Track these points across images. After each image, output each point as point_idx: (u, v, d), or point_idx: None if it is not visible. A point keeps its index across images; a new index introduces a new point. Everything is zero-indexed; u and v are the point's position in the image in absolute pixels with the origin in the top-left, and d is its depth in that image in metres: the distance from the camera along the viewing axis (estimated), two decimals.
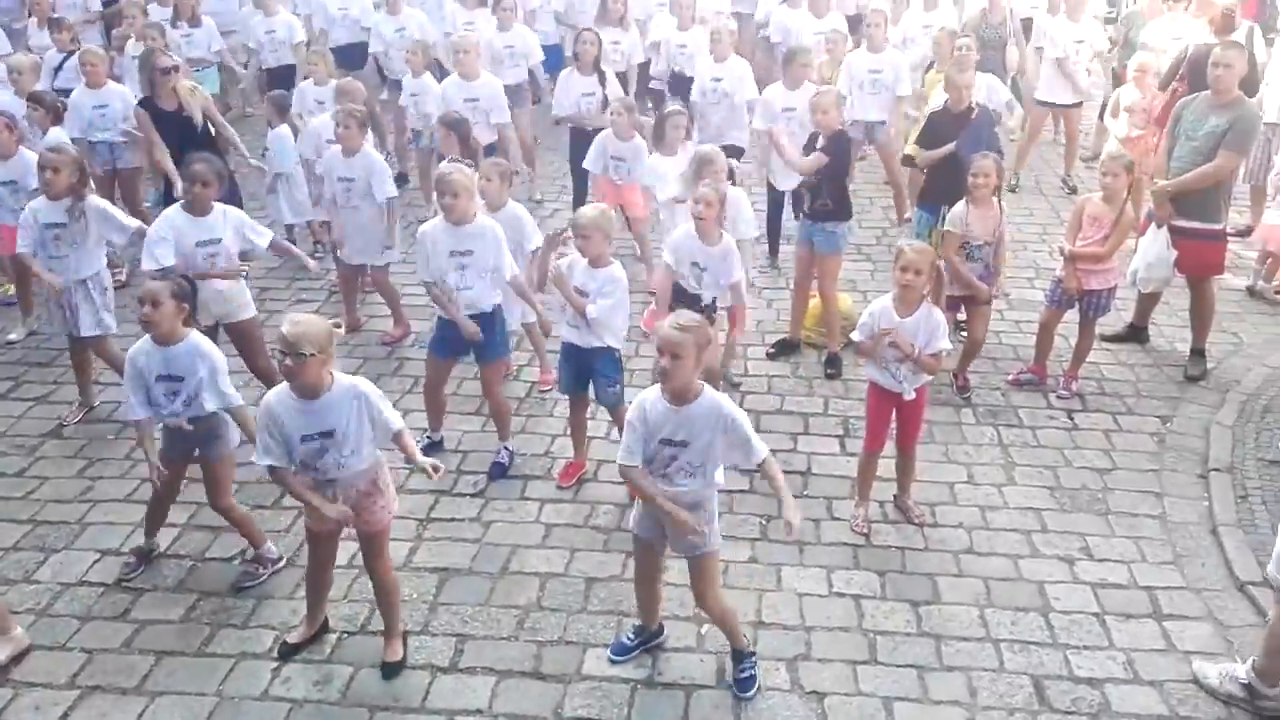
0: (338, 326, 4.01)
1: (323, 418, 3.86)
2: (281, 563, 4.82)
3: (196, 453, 4.66)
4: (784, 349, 6.63)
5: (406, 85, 8.39)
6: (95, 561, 4.88)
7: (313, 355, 3.74)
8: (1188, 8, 8.77)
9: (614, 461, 5.44)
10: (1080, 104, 9.40)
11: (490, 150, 7.64)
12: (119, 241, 5.92)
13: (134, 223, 5.87)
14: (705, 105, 7.94)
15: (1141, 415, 6.03)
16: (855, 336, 4.98)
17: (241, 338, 5.78)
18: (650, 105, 9.27)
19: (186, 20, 9.23)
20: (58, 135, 6.88)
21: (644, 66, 9.39)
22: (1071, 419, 5.99)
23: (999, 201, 5.98)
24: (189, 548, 4.96)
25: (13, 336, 6.95)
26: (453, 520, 5.17)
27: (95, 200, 5.78)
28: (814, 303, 6.63)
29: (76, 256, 5.72)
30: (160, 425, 4.64)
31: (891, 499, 5.24)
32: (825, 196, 6.22)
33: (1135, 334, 6.83)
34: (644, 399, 3.82)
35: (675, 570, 4.40)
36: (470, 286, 5.25)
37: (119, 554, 4.91)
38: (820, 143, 6.23)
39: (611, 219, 5.16)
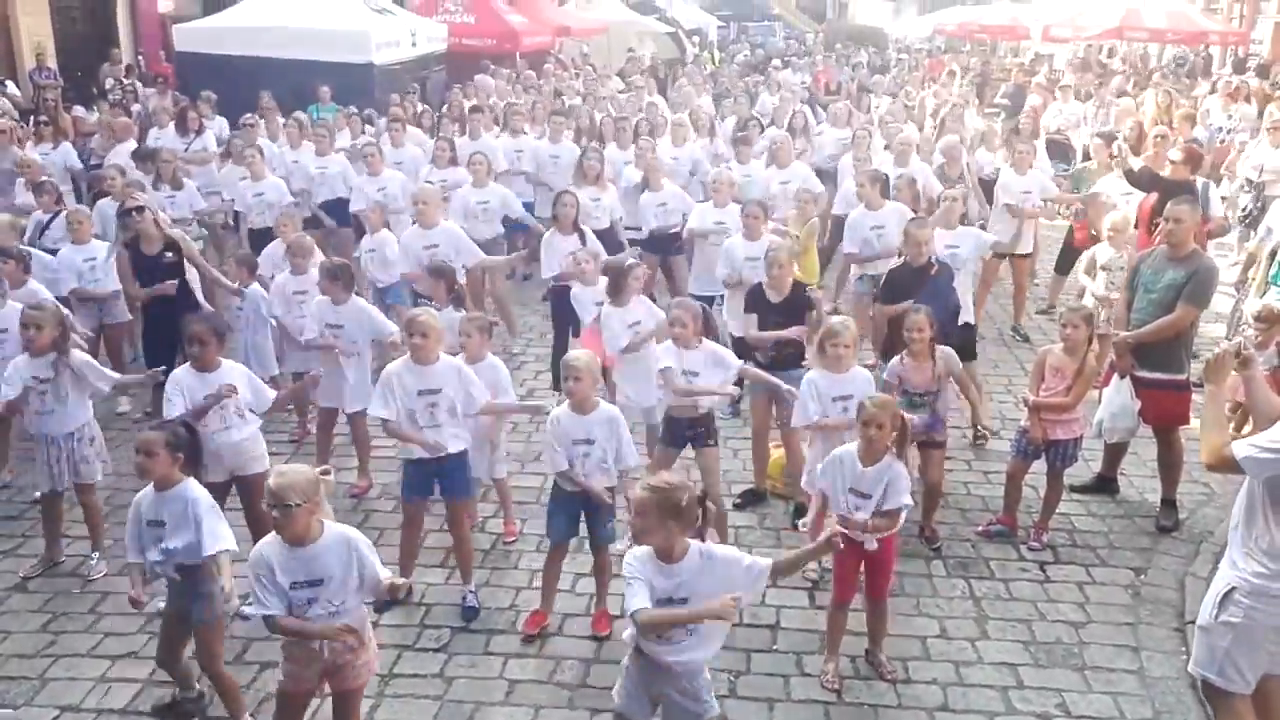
0: (325, 474, 4.02)
1: (312, 566, 3.84)
2: None
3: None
4: (750, 499, 6.61)
5: (364, 242, 8.53)
6: (55, 718, 4.76)
7: (299, 505, 3.75)
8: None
9: (580, 615, 5.43)
10: (1029, 255, 9.67)
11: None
12: (103, 389, 5.93)
13: (114, 376, 5.90)
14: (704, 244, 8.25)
15: (1114, 567, 5.99)
16: (803, 484, 5.03)
17: (251, 492, 5.58)
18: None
19: (168, 183, 9.51)
20: (34, 289, 6.99)
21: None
22: (1044, 571, 5.94)
23: (935, 354, 5.99)
24: (150, 703, 4.84)
25: None
26: (415, 676, 5.05)
27: (77, 355, 5.81)
28: (779, 453, 6.64)
29: (63, 411, 5.74)
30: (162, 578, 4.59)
31: (864, 653, 5.13)
32: (788, 348, 6.33)
33: (1104, 485, 6.84)
34: (637, 554, 3.71)
35: None
36: (438, 424, 5.32)
37: (79, 710, 4.79)
38: (772, 297, 6.33)
39: (599, 364, 5.27)
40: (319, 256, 7.41)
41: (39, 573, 5.90)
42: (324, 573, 3.83)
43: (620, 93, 16.26)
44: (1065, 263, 10.26)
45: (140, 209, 7.16)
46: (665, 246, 9.33)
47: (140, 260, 7.22)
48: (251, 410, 5.52)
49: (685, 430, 5.74)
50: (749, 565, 3.74)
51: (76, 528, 6.10)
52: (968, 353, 7.46)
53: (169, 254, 7.17)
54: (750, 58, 25.94)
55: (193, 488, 4.50)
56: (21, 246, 7.48)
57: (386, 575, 3.98)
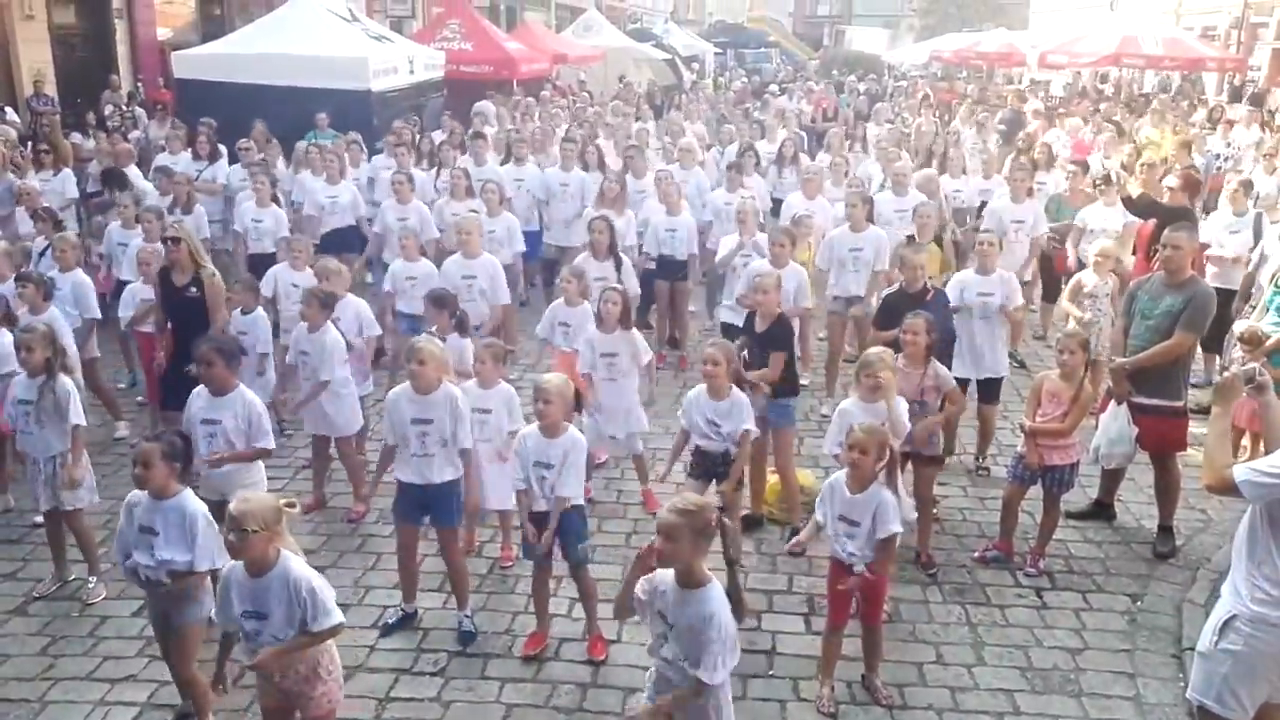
0: (290, 506, 4.01)
1: (259, 597, 3.86)
2: None
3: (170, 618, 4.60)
4: (747, 525, 6.61)
5: (398, 268, 8.55)
6: None
7: (255, 532, 3.76)
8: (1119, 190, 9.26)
9: (577, 640, 5.42)
10: (1027, 283, 9.68)
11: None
12: (66, 426, 5.77)
13: (80, 420, 5.79)
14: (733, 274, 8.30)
15: (1111, 593, 5.98)
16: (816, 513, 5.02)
17: None
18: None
19: (180, 206, 9.58)
20: (55, 315, 7.03)
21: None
22: (1040, 597, 5.93)
23: (928, 365, 6.01)
24: None
25: None
26: (412, 700, 5.04)
27: (66, 382, 5.80)
28: (775, 479, 6.64)
29: (42, 435, 5.76)
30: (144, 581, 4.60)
31: (860, 679, 5.12)
32: (782, 377, 6.34)
33: (1101, 511, 6.84)
34: (663, 575, 3.74)
35: None
36: (430, 454, 5.32)
37: None
38: (758, 325, 6.35)
39: (571, 389, 5.25)
40: (347, 278, 7.46)
41: (51, 590, 5.92)
42: (265, 607, 3.85)
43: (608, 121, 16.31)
44: (1050, 290, 10.33)
45: (178, 240, 7.13)
46: (672, 273, 9.39)
47: (169, 291, 7.15)
48: (256, 444, 5.42)
49: (718, 466, 5.70)
50: (704, 654, 3.66)
51: (74, 551, 6.08)
52: (992, 395, 7.54)
53: (193, 289, 7.07)
54: (747, 84, 26.08)
55: (190, 500, 4.53)
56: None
57: (329, 622, 3.90)
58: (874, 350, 5.69)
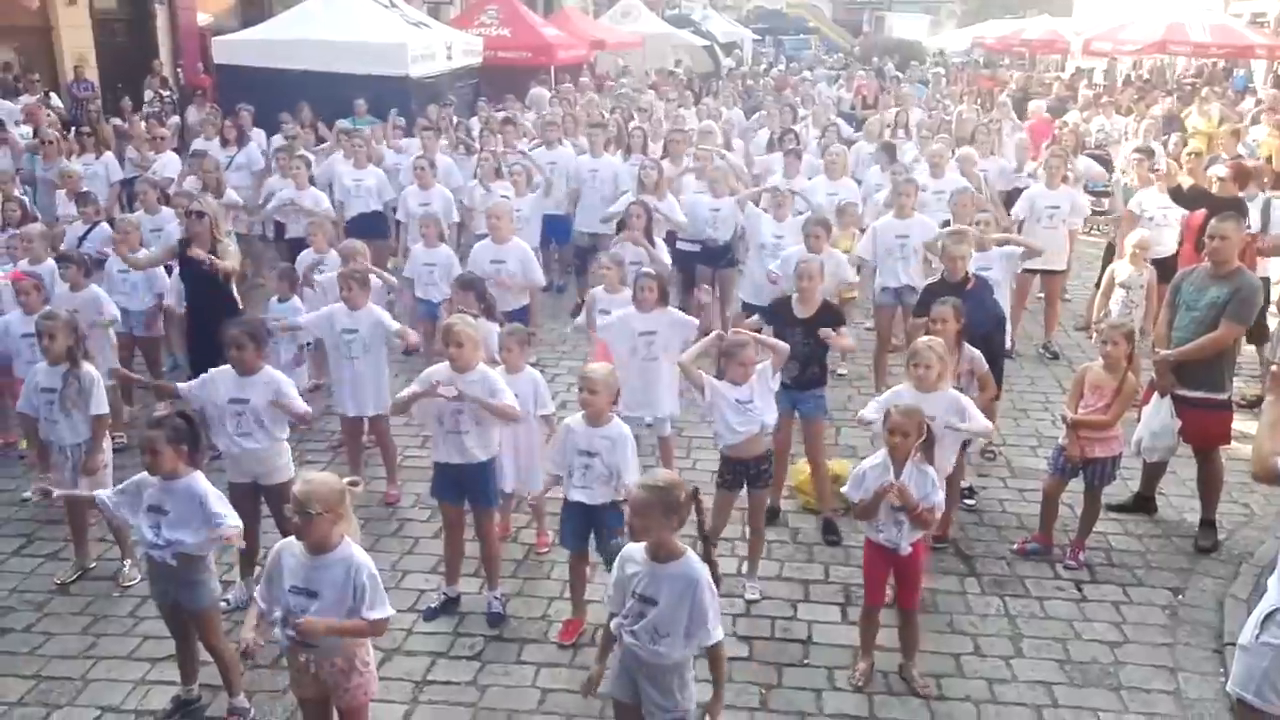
0: (354, 484, 4.05)
1: (313, 576, 3.87)
2: (251, 712, 4.77)
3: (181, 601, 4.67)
4: (768, 517, 6.55)
5: (418, 254, 8.61)
6: (96, 718, 4.85)
7: (320, 514, 3.78)
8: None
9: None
10: (1062, 271, 9.57)
11: (519, 314, 7.87)
12: (90, 413, 5.84)
13: (101, 410, 5.85)
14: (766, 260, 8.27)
15: (1152, 587, 5.91)
16: (845, 490, 5.02)
17: (277, 500, 5.53)
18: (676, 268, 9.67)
19: (211, 191, 9.68)
20: (96, 294, 7.18)
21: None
22: (1080, 590, 5.87)
23: (961, 350, 5.95)
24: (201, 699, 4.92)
25: (27, 495, 6.96)
26: (449, 684, 5.09)
27: (90, 370, 5.86)
28: (807, 468, 6.60)
29: (69, 422, 5.81)
30: (146, 562, 4.69)
31: (897, 669, 5.10)
32: (815, 364, 6.30)
33: (1143, 504, 6.76)
34: (632, 547, 3.84)
35: None
36: (463, 431, 5.35)
37: (119, 710, 4.88)
38: (799, 312, 6.28)
39: (616, 379, 5.25)
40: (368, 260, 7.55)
41: (73, 578, 6.00)
42: (319, 587, 3.86)
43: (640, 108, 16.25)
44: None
45: (201, 214, 7.28)
46: (716, 258, 9.31)
47: (190, 266, 7.33)
48: (292, 417, 5.52)
49: (749, 471, 5.62)
50: (703, 619, 3.74)
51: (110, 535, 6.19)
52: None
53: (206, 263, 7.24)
54: (784, 71, 25.91)
55: (199, 481, 4.55)
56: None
57: (380, 614, 3.92)
58: (923, 339, 5.62)
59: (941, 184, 9.56)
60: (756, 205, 8.97)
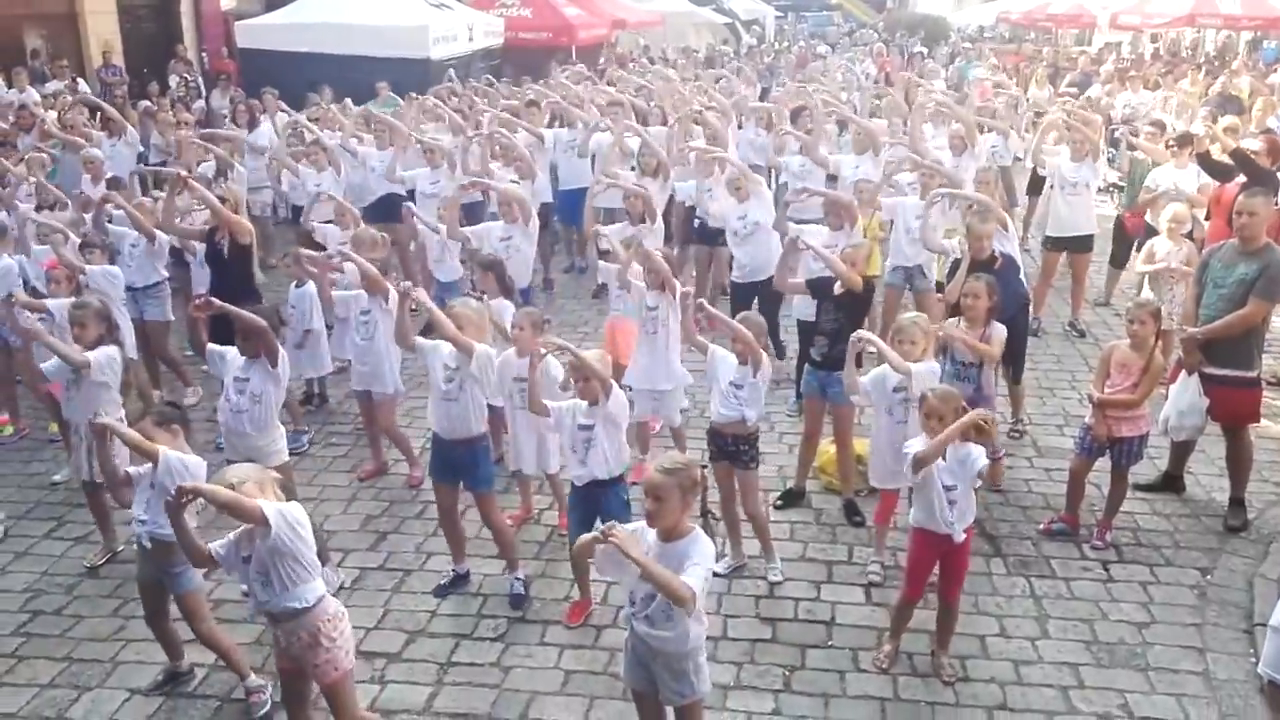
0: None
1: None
2: (269, 690, 4.80)
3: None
4: (790, 499, 6.54)
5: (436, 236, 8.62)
6: (125, 700, 4.92)
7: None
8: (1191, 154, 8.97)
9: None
10: (1089, 250, 9.46)
11: (525, 293, 7.87)
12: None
13: (115, 396, 5.91)
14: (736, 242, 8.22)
15: (1180, 567, 5.85)
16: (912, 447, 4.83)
17: None
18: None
19: (225, 175, 9.72)
20: (107, 273, 7.26)
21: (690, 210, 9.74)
22: (1107, 570, 5.83)
23: (989, 327, 5.94)
24: (215, 688, 4.98)
25: (57, 478, 7.09)
26: (473, 665, 5.12)
27: (110, 351, 5.89)
28: (833, 449, 6.55)
29: (82, 400, 5.85)
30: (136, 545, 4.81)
31: (929, 654, 5.06)
32: (843, 344, 6.24)
33: (1171, 483, 6.68)
34: (641, 527, 3.83)
35: None
36: (455, 399, 5.39)
37: (148, 694, 4.95)
38: (836, 288, 6.25)
39: (608, 361, 5.28)
40: (384, 248, 7.59)
41: (103, 561, 6.07)
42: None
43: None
44: (1120, 254, 10.06)
45: (223, 201, 7.45)
46: (713, 237, 9.28)
47: (213, 248, 7.54)
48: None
49: (728, 446, 5.59)
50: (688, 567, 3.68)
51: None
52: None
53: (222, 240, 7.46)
54: (806, 48, 25.68)
55: (188, 459, 4.59)
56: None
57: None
58: (907, 316, 5.60)
59: (961, 161, 9.45)
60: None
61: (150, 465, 4.59)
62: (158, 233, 7.81)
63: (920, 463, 4.64)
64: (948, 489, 4.71)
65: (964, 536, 4.80)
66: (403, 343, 5.74)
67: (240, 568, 4.01)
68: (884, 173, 8.87)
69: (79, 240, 7.59)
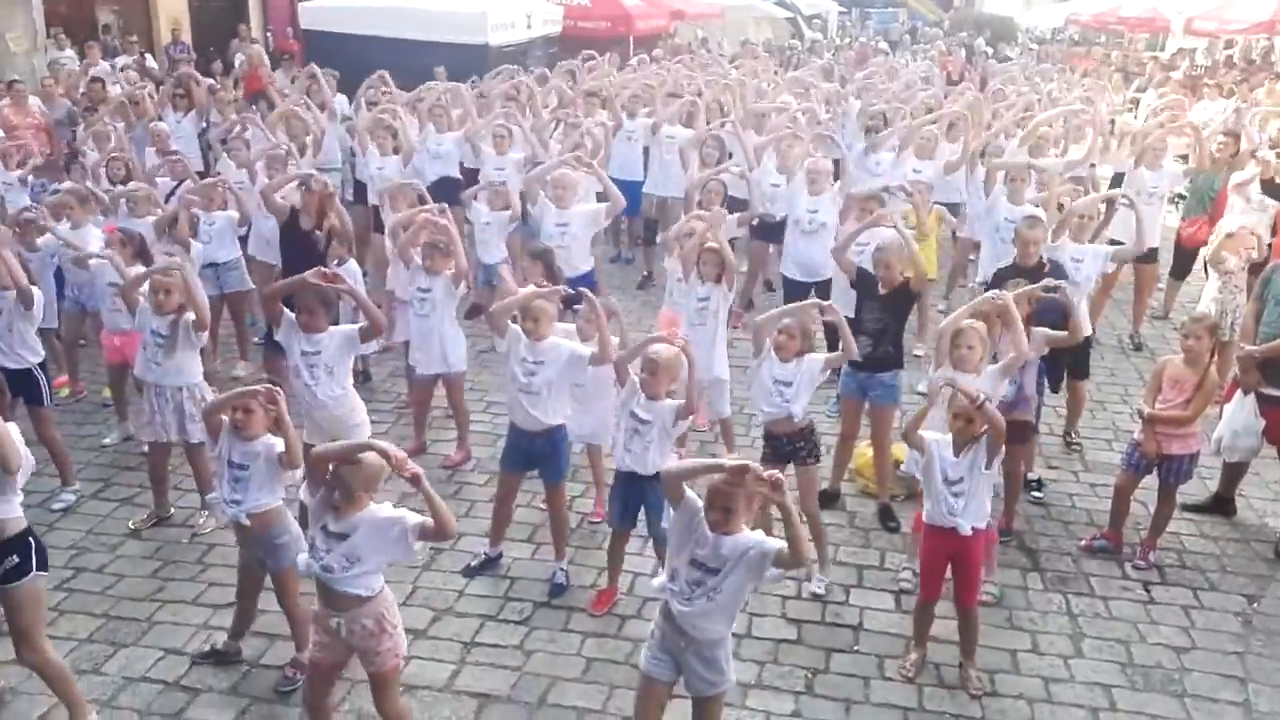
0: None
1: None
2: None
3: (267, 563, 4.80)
4: (824, 501, 6.40)
5: (481, 215, 8.64)
6: (159, 659, 5.01)
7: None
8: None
9: (657, 599, 5.39)
10: (1155, 261, 9.20)
11: (585, 279, 7.77)
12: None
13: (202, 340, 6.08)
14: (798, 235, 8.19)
15: (1225, 592, 5.68)
16: (903, 468, 4.86)
17: None
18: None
19: (298, 155, 9.75)
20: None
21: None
22: (1148, 591, 5.67)
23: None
24: (245, 653, 5.04)
25: (108, 440, 7.24)
26: (496, 646, 5.14)
27: (190, 316, 5.98)
28: (870, 452, 6.46)
29: (172, 364, 5.92)
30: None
31: (957, 665, 4.96)
32: (887, 344, 6.16)
33: (1220, 505, 6.48)
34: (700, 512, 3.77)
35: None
36: (537, 392, 5.38)
37: (181, 653, 5.05)
38: (880, 288, 6.17)
39: (681, 364, 5.16)
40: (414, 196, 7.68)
41: (149, 525, 6.16)
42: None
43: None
44: (1180, 267, 9.80)
45: (309, 182, 7.44)
46: (771, 234, 9.18)
47: (294, 233, 7.43)
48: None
49: (784, 446, 5.53)
50: (764, 554, 3.67)
51: (188, 480, 6.35)
52: (1080, 370, 7.19)
53: (318, 232, 7.36)
54: (868, 44, 25.36)
55: (277, 443, 4.63)
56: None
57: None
58: (968, 320, 5.48)
59: (1043, 162, 9.20)
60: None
61: (225, 444, 4.64)
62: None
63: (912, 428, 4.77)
64: (951, 483, 4.68)
65: (971, 533, 4.72)
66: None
67: (322, 539, 3.99)
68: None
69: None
